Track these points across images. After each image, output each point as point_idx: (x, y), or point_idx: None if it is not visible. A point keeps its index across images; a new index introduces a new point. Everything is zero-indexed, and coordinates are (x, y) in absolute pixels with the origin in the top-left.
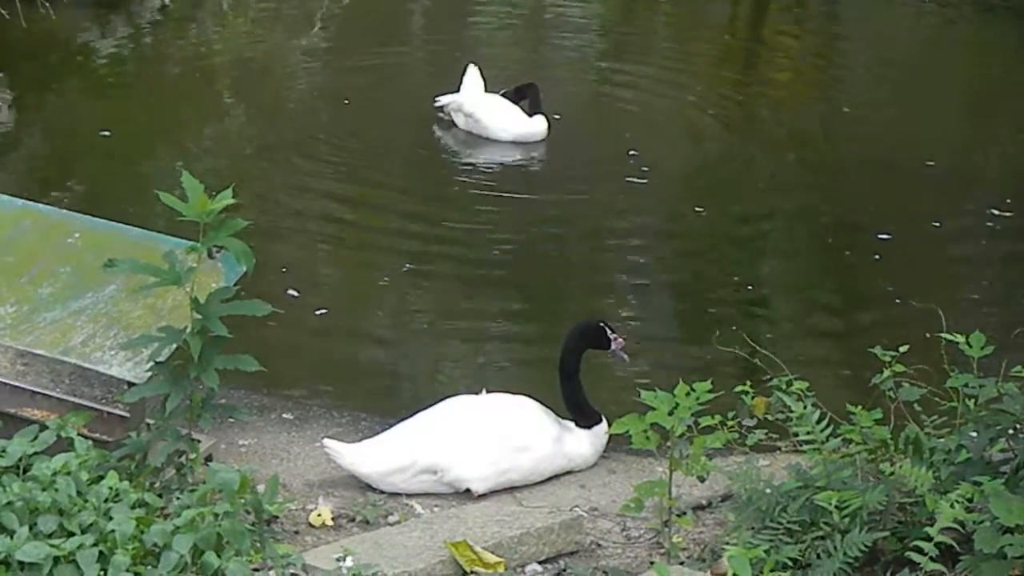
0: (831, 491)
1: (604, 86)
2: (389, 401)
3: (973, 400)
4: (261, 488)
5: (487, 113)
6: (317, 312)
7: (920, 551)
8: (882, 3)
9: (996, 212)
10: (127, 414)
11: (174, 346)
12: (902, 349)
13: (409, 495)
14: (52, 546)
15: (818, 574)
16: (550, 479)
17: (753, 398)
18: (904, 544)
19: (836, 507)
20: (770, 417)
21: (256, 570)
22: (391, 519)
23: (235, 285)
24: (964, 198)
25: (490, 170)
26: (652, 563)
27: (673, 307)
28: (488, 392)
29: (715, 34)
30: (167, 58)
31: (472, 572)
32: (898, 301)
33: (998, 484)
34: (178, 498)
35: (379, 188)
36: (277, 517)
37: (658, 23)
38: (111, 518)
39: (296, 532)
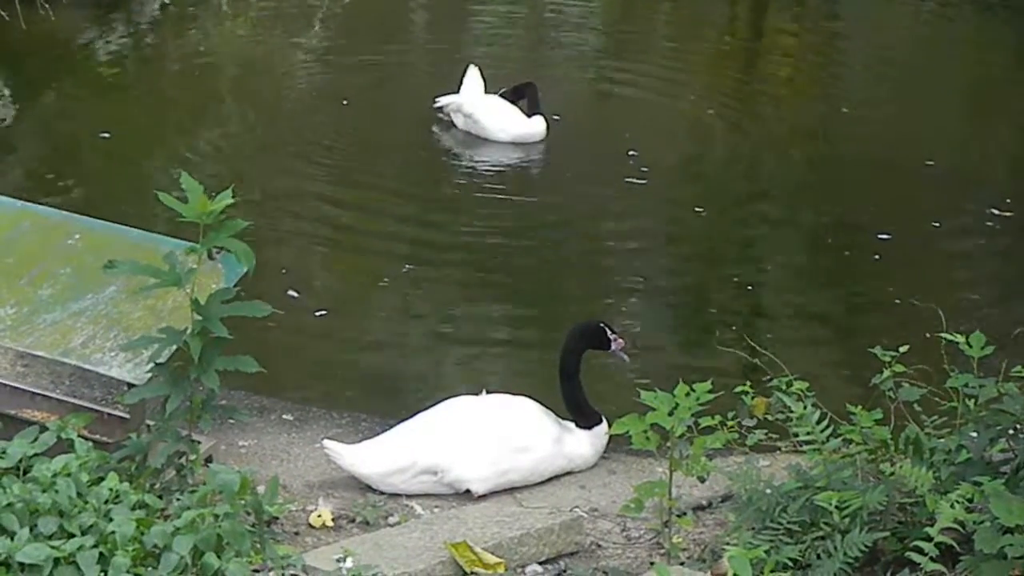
0: (831, 491)
1: (603, 85)
2: (389, 402)
3: (973, 400)
4: (261, 489)
5: (486, 114)
6: (317, 313)
7: (920, 551)
8: (882, 1)
9: (996, 212)
10: (127, 415)
11: (174, 347)
12: (902, 349)
13: (409, 496)
14: (52, 547)
15: (818, 574)
16: (550, 480)
17: (753, 398)
18: (904, 544)
19: (836, 507)
20: (770, 417)
21: (256, 571)
22: (391, 520)
23: (235, 286)
24: (964, 197)
25: (489, 171)
26: (652, 563)
27: (673, 307)
28: (488, 393)
29: (715, 33)
30: (167, 59)
31: (472, 573)
32: (898, 301)
33: (998, 484)
34: (178, 499)
35: (378, 189)
36: (277, 518)
37: (658, 22)
38: (111, 519)
39: (296, 533)
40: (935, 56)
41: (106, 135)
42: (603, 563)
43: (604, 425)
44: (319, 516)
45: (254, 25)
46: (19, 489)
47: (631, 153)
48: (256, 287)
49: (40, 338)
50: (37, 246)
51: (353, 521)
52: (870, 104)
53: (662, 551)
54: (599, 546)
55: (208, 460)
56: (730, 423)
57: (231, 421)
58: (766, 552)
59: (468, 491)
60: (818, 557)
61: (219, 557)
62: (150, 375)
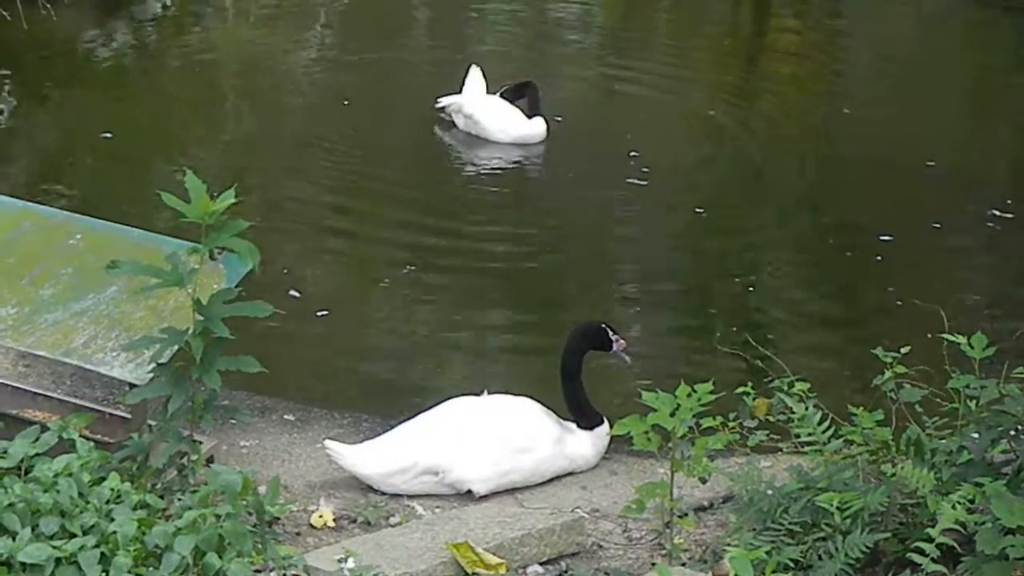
0: (833, 492)
1: (605, 86)
2: (390, 402)
3: (975, 401)
4: (262, 489)
5: (486, 115)
6: (318, 313)
7: (921, 552)
8: (883, 1)
9: (997, 212)
10: (129, 415)
11: (176, 347)
12: (903, 350)
13: (410, 496)
14: (54, 547)
15: (819, 575)
16: (551, 480)
17: (754, 399)
18: (905, 545)
19: (838, 508)
20: (771, 418)
21: (258, 571)
22: (392, 520)
23: (237, 286)
24: (965, 198)
25: (490, 172)
26: (654, 564)
27: (674, 308)
28: (489, 393)
29: (717, 32)
30: (168, 58)
31: (474, 573)
32: (899, 302)
33: (1000, 485)
34: (180, 499)
35: (379, 189)
36: (278, 518)
37: (659, 21)
38: (113, 519)
39: (297, 533)
40: (936, 56)
41: (108, 135)
42: (604, 564)
43: (605, 426)
44: (320, 516)
45: (256, 25)
46: (21, 489)
47: (632, 154)
48: (257, 287)
49: (41, 338)
50: (39, 246)
51: (354, 521)
52: (871, 104)
53: (663, 552)
54: (600, 547)
55: (209, 460)
56: (731, 424)
57: (232, 421)
58: (767, 553)
59: (469, 492)
60: (819, 558)
61: (220, 557)
62: (152, 375)
